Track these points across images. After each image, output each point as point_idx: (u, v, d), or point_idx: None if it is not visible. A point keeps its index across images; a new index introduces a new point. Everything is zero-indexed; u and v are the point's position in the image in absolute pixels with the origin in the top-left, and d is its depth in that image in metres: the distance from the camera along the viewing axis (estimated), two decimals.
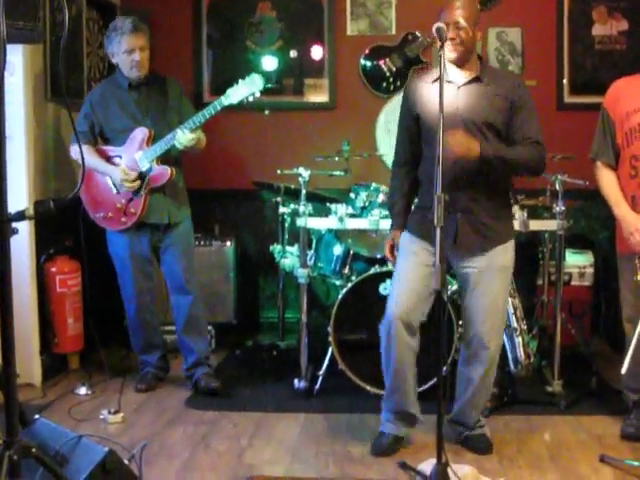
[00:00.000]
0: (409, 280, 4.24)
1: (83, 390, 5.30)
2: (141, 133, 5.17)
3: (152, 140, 5.16)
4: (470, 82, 4.14)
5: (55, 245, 5.59)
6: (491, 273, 4.20)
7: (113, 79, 5.37)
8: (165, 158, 5.16)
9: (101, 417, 4.82)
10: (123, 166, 5.15)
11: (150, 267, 5.43)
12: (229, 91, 4.96)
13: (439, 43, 3.82)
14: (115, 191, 5.22)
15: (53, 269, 5.56)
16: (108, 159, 5.24)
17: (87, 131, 5.25)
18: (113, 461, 3.27)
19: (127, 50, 5.10)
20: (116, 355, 5.99)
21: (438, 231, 3.60)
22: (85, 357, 5.86)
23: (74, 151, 5.35)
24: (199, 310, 5.43)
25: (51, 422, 3.50)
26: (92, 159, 5.19)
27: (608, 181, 4.50)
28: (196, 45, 6.98)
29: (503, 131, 4.15)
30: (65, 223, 5.45)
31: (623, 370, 3.53)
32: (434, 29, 3.83)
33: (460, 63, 4.12)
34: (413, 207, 4.48)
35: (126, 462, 3.40)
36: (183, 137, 4.99)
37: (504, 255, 4.25)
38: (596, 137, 4.58)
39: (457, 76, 4.14)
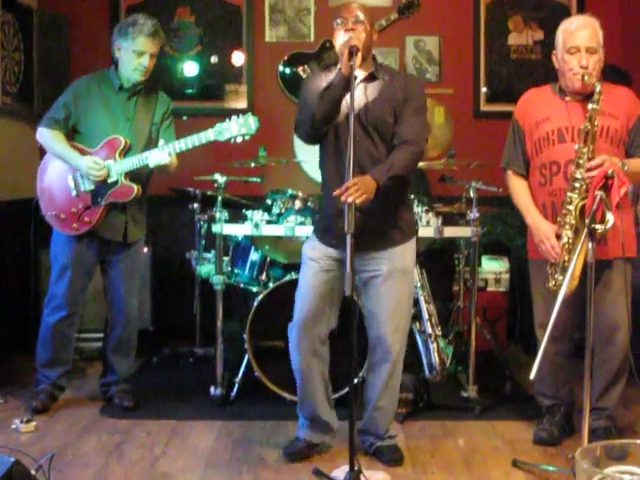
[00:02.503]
0: (311, 287, 4.23)
1: None
2: (117, 142, 4.93)
3: (126, 152, 4.95)
4: (366, 80, 4.10)
5: None
6: (393, 276, 4.16)
7: (104, 75, 5.09)
8: (134, 174, 4.95)
9: (13, 426, 4.73)
10: (94, 157, 4.90)
11: (88, 280, 5.19)
12: (219, 127, 4.74)
13: (350, 62, 3.81)
14: (74, 193, 4.98)
15: None
16: None
17: (61, 120, 4.97)
18: (19, 471, 3.21)
19: (138, 51, 4.89)
20: (30, 363, 5.88)
21: (349, 237, 3.57)
22: None
23: (39, 133, 5.03)
24: (132, 332, 5.29)
25: None
26: (61, 146, 4.96)
27: (519, 189, 4.57)
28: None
29: (392, 129, 4.12)
30: None
31: (531, 376, 3.56)
32: (345, 49, 3.82)
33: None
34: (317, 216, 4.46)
35: (33, 472, 3.34)
36: (158, 157, 4.79)
37: (404, 256, 4.22)
38: (507, 146, 4.65)
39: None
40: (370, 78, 4.13)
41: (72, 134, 5.07)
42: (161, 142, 4.93)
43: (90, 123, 5.01)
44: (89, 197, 4.98)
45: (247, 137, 4.75)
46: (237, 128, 4.71)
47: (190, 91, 6.96)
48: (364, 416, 4.42)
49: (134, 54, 4.91)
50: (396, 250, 4.18)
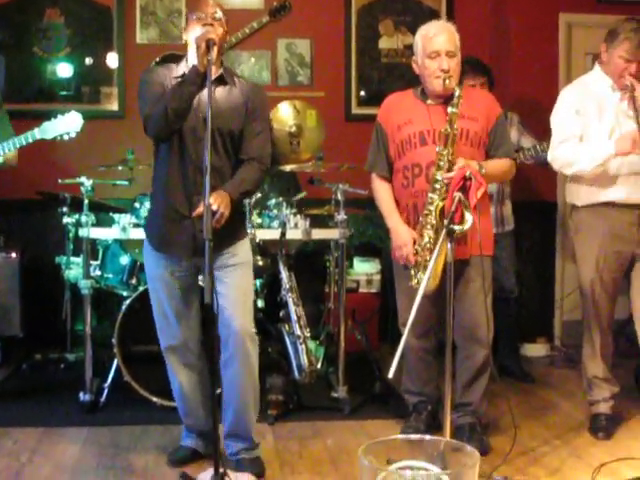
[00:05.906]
0: (172, 308, 4.18)
1: None
2: None
3: None
4: (214, 82, 3.92)
5: None
6: (240, 268, 4.14)
7: None
8: None
9: None
10: None
11: None
12: (46, 125, 4.82)
13: (207, 56, 3.75)
14: None
15: None
16: None
17: None
18: None
19: None
20: None
21: (207, 244, 3.49)
22: None
23: None
24: None
25: None
26: None
27: (382, 192, 4.64)
28: None
29: (237, 140, 4.09)
30: None
31: (390, 374, 3.60)
32: (202, 42, 3.76)
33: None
34: (149, 217, 4.42)
35: None
36: None
37: (246, 249, 4.22)
38: (371, 150, 4.71)
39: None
40: (218, 81, 4.03)
41: None
42: None
43: None
44: None
45: (73, 135, 4.89)
46: (63, 126, 4.83)
47: (64, 93, 6.84)
48: (226, 422, 4.24)
49: None
50: (239, 244, 4.18)
